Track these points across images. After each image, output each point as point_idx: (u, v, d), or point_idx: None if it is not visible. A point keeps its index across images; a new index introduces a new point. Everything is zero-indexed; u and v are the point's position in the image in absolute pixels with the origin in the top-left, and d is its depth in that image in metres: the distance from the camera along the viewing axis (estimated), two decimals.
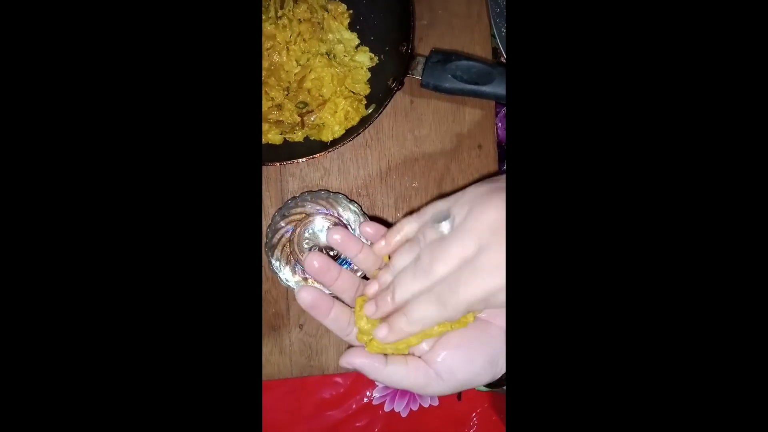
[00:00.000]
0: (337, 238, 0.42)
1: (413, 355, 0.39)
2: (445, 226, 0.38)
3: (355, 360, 0.38)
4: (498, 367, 0.39)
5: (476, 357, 0.37)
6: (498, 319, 0.39)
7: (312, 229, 0.55)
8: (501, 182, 0.38)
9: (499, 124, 0.61)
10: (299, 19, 0.52)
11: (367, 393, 0.61)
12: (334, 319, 0.39)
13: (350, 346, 0.40)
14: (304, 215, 0.55)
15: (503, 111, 0.62)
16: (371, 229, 0.43)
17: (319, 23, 0.54)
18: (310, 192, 0.56)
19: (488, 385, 0.40)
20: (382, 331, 0.37)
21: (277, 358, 0.58)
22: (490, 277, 0.34)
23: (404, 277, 0.38)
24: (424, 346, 0.39)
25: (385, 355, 0.38)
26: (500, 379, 0.39)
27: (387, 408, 0.60)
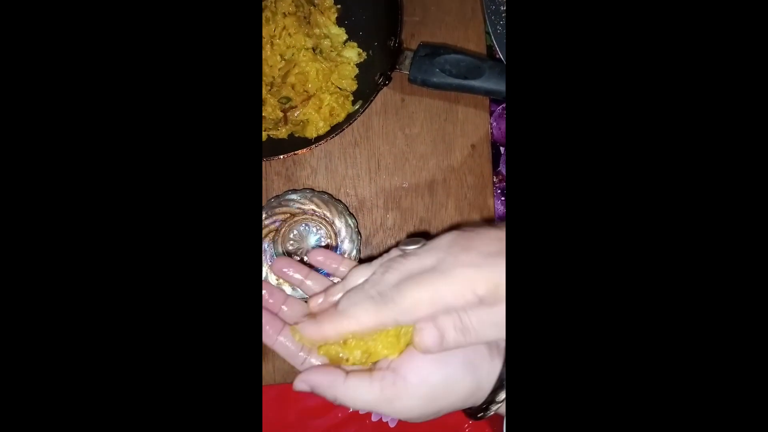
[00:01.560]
0: (282, 270, 0.40)
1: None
2: (411, 247, 0.36)
3: (310, 377, 0.34)
4: (479, 372, 0.35)
5: (450, 358, 0.34)
6: None
7: (298, 230, 0.53)
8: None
9: (494, 123, 0.59)
10: (284, 13, 0.51)
11: None
12: (284, 344, 0.36)
13: None
14: (288, 215, 0.54)
15: (498, 110, 0.60)
16: (321, 256, 0.41)
17: (305, 17, 0.53)
18: (294, 191, 0.54)
19: (472, 414, 0.37)
20: (306, 327, 0.34)
21: None
22: (442, 280, 0.32)
23: (354, 291, 0.35)
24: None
25: (345, 371, 0.34)
26: (487, 402, 0.36)
27: (374, 417, 0.58)
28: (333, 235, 0.53)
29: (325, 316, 0.34)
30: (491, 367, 0.35)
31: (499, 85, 0.51)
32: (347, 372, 0.34)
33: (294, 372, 0.56)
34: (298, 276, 0.40)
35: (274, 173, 0.56)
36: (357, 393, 0.33)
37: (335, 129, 0.51)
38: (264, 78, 0.52)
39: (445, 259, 0.33)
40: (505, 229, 0.34)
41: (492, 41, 0.58)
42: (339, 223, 0.54)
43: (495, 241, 0.34)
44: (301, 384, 0.34)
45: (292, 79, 0.51)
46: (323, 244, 0.53)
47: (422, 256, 0.34)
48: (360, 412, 0.58)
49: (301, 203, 0.54)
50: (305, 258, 0.52)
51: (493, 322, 0.33)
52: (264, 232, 0.53)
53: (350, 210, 0.55)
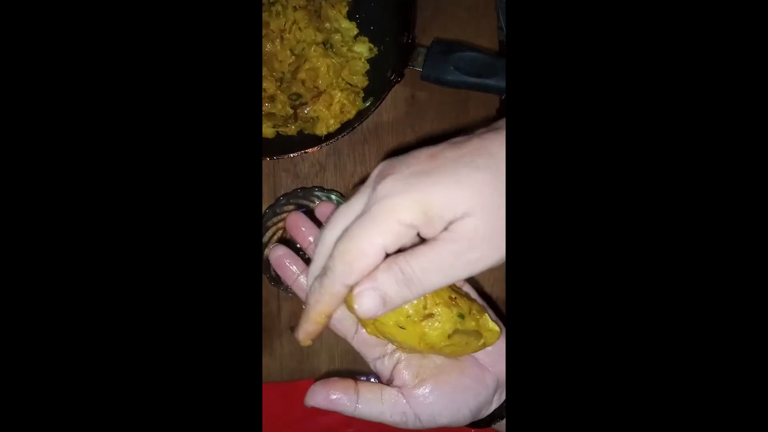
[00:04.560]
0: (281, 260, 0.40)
1: (395, 387, 0.36)
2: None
3: (319, 400, 0.36)
4: (481, 413, 0.37)
5: (463, 407, 0.35)
6: (496, 367, 0.37)
7: None
8: None
9: None
10: (294, 7, 0.49)
11: None
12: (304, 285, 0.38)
13: (322, 376, 0.37)
14: None
15: None
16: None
17: (315, 11, 0.51)
18: (303, 189, 0.54)
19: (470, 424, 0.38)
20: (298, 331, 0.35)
21: (267, 361, 0.55)
22: (367, 223, 0.29)
23: (309, 271, 0.35)
24: (406, 376, 0.36)
25: (356, 389, 0.36)
26: (484, 419, 0.37)
27: None
28: None
29: (303, 314, 0.34)
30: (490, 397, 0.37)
31: None
32: (357, 393, 0.36)
33: (301, 369, 0.56)
34: (294, 269, 0.39)
35: (281, 170, 0.55)
36: (367, 415, 0.36)
37: (346, 126, 0.50)
38: (274, 74, 0.50)
39: (369, 198, 0.30)
40: (441, 145, 0.32)
41: (505, 36, 0.57)
42: None
43: (420, 159, 0.31)
44: (311, 404, 0.36)
45: (302, 74, 0.50)
46: None
47: (352, 202, 0.32)
48: None
49: (310, 201, 0.53)
50: None
51: (437, 267, 0.30)
52: (273, 230, 0.52)
53: None
